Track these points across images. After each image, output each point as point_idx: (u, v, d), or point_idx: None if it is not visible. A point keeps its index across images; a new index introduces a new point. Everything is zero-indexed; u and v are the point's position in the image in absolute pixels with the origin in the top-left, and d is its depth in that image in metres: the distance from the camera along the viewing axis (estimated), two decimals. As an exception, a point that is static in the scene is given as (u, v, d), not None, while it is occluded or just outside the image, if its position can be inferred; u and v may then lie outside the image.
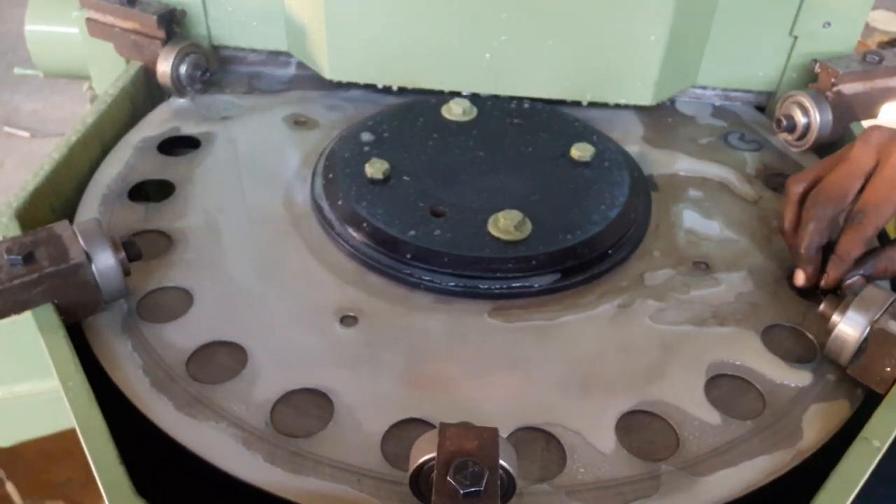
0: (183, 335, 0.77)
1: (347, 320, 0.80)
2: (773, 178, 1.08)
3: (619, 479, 0.67)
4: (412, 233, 0.85)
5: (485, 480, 0.52)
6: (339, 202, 0.90)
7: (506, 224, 0.85)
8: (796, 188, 0.88)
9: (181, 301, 0.81)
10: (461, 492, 0.51)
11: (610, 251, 0.89)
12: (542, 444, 0.70)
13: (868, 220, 0.80)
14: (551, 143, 1.02)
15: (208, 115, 1.12)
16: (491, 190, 0.93)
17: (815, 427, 0.72)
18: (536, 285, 0.85)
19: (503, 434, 0.67)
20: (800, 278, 0.85)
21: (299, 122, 1.12)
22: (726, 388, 0.76)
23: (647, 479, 0.67)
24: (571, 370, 0.77)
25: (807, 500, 0.62)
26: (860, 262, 0.82)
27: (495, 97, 1.12)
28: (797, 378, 0.77)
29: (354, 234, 0.87)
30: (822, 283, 0.83)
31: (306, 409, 0.71)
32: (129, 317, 0.79)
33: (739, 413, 0.73)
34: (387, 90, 1.16)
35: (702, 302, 0.86)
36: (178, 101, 1.15)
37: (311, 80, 1.21)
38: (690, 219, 0.99)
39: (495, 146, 1.01)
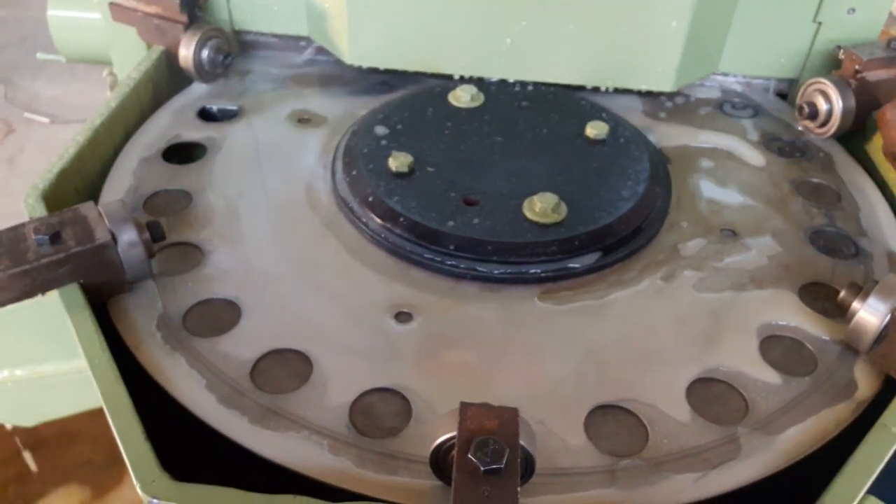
0: (240, 347, 0.76)
1: (402, 316, 0.80)
2: (775, 143, 1.11)
3: (702, 446, 0.69)
4: (451, 223, 0.85)
5: (505, 458, 0.52)
6: (370, 199, 0.89)
7: (543, 207, 0.86)
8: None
9: (228, 312, 0.80)
10: (482, 469, 0.52)
11: (643, 225, 0.91)
12: (622, 419, 0.72)
13: None
14: (564, 123, 1.03)
15: (209, 119, 1.09)
16: (516, 174, 0.93)
17: (867, 377, 0.75)
18: (581, 265, 0.86)
19: (583, 413, 0.71)
20: None
21: (303, 120, 1.10)
22: (779, 347, 0.79)
23: (727, 443, 0.70)
24: (632, 346, 0.79)
25: (825, 485, 0.62)
26: None
27: (501, 81, 1.13)
28: (841, 332, 0.79)
29: (392, 229, 0.86)
30: None
31: (384, 410, 0.71)
32: (178, 332, 0.76)
33: (796, 371, 0.76)
34: (386, 78, 1.17)
35: (737, 268, 0.89)
36: (176, 105, 1.11)
37: (307, 75, 1.20)
38: (708, 188, 1.01)
39: (510, 130, 1.01)
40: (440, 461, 0.59)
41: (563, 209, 0.87)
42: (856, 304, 0.75)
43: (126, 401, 0.66)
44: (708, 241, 0.92)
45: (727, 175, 1.03)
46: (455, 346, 0.78)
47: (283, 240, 0.89)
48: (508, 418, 0.55)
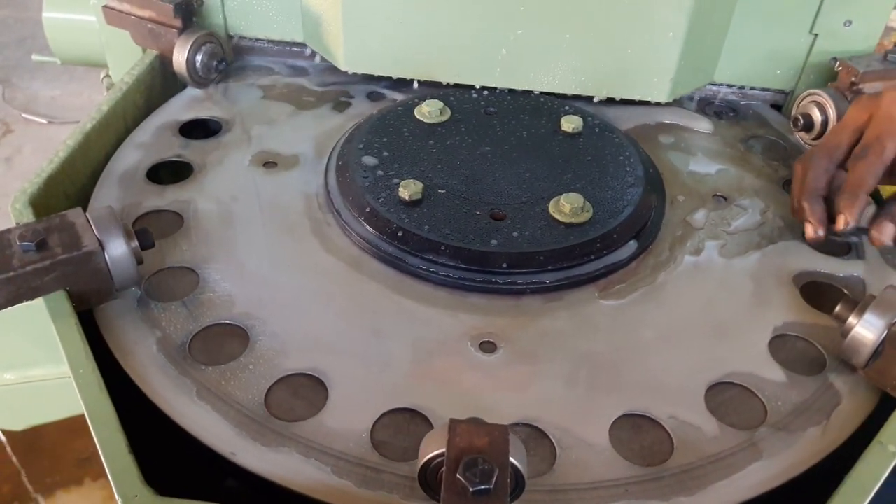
0: (346, 419, 0.68)
1: (486, 346, 0.77)
2: (710, 107, 1.19)
3: (809, 399, 0.74)
4: (494, 242, 0.83)
5: (494, 479, 0.51)
6: (399, 234, 0.84)
7: (573, 208, 0.86)
8: (799, 165, 0.91)
9: (311, 387, 0.72)
10: (471, 489, 0.51)
11: (655, 206, 0.94)
12: (733, 394, 0.74)
13: (874, 152, 0.82)
14: (536, 122, 1.04)
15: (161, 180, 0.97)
16: (524, 180, 0.93)
17: None
18: (625, 257, 0.87)
19: (700, 398, 0.73)
20: (809, 231, 0.87)
21: (269, 164, 1.01)
22: (816, 293, 0.85)
23: (825, 391, 0.74)
24: (702, 322, 0.82)
25: (820, 504, 0.62)
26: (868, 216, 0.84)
27: (457, 90, 1.11)
28: (856, 268, 0.87)
29: (436, 260, 0.83)
30: (837, 226, 0.84)
31: (528, 447, 0.68)
32: (269, 422, 0.68)
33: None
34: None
35: (746, 229, 0.94)
36: (118, 172, 0.97)
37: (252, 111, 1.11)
38: (681, 161, 1.06)
39: (492, 138, 1.00)
40: (428, 478, 0.58)
41: (590, 206, 0.88)
42: (852, 320, 0.74)
43: (110, 412, 0.64)
44: (708, 209, 0.97)
45: (690, 145, 1.09)
46: (553, 363, 0.76)
47: (324, 298, 0.82)
48: (499, 436, 0.54)
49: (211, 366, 0.73)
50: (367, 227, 0.87)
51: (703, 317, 0.82)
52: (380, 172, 0.92)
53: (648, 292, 0.85)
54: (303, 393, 0.72)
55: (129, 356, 0.74)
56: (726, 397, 0.74)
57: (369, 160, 0.94)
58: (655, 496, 0.65)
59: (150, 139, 1.05)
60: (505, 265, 0.82)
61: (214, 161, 1.01)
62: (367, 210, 0.88)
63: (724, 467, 0.67)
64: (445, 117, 1.03)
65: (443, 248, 0.83)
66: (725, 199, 0.99)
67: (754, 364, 0.77)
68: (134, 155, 1.01)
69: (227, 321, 0.78)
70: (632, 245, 0.88)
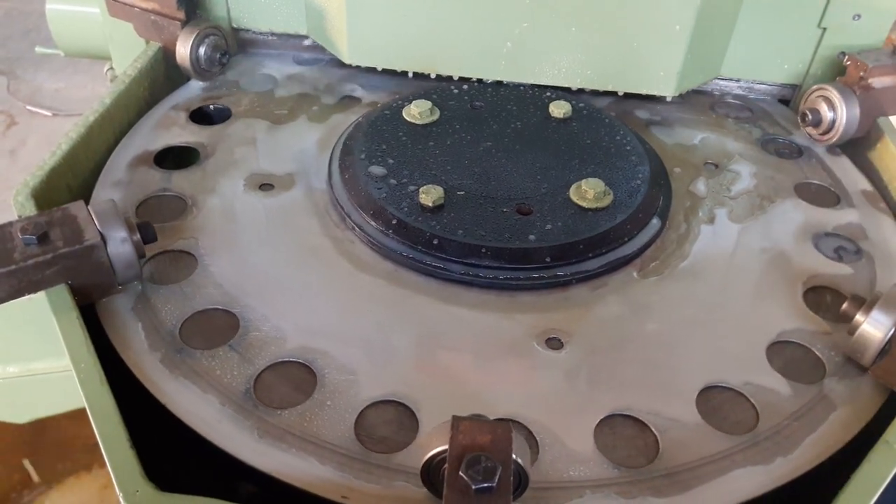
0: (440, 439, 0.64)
1: (553, 342, 0.76)
2: None
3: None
4: (532, 237, 0.82)
5: (497, 476, 0.51)
6: (435, 242, 0.82)
7: (595, 194, 0.87)
8: None
9: (400, 413, 0.69)
10: (473, 487, 0.50)
11: (662, 181, 0.96)
12: (795, 351, 0.77)
13: None
14: (525, 111, 1.04)
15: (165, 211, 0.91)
16: (535, 171, 0.92)
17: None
18: (653, 233, 0.89)
19: (762, 351, 0.76)
20: None
21: (265, 186, 0.95)
22: (830, 245, 0.90)
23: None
24: (742, 285, 0.84)
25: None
26: None
27: (439, 86, 1.09)
28: (848, 216, 0.93)
29: (479, 263, 0.81)
30: None
31: (624, 438, 0.68)
32: (366, 457, 0.65)
33: (850, 259, 0.88)
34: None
35: (745, 192, 0.98)
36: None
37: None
38: (664, 134, 1.09)
39: (488, 132, 0.99)
40: (431, 474, 0.57)
41: (609, 189, 0.88)
42: (859, 317, 0.73)
43: (111, 406, 0.64)
44: (705, 177, 1.00)
45: (667, 118, 1.12)
46: (622, 348, 0.77)
47: (374, 320, 0.78)
48: (501, 434, 0.53)
49: (285, 409, 0.69)
50: (399, 239, 0.84)
51: (738, 281, 0.85)
52: (392, 181, 0.89)
53: (685, 267, 0.86)
54: (389, 419, 0.69)
55: (197, 417, 0.68)
56: (785, 355, 0.76)
57: (377, 170, 0.91)
58: (759, 461, 0.66)
59: (126, 176, 0.96)
60: (548, 259, 0.82)
61: (207, 190, 0.94)
62: (394, 222, 0.84)
63: (808, 423, 0.70)
64: (436, 116, 1.01)
65: (483, 250, 0.81)
66: (716, 166, 1.03)
67: (798, 319, 0.80)
68: (115, 195, 0.92)
69: (286, 359, 0.74)
70: (655, 221, 0.90)
